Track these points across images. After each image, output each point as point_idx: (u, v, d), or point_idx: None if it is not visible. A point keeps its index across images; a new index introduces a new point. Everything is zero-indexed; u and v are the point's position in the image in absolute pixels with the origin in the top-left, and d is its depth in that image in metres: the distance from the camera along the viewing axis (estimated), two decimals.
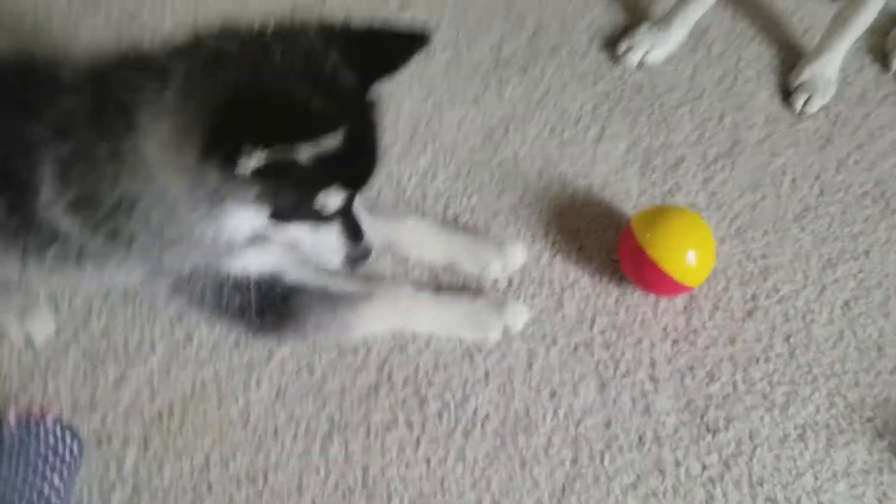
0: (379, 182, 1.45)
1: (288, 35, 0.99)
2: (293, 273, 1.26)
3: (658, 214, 1.33)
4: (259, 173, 0.94)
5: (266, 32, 1.00)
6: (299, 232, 1.08)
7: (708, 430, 1.27)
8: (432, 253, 1.37)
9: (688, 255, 1.29)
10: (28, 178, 1.07)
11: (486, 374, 1.30)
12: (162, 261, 1.15)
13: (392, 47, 1.01)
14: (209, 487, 1.19)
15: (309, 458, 1.22)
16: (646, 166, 1.51)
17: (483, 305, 1.32)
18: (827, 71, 1.61)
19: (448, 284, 1.36)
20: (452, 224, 1.43)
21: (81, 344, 1.28)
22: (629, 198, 1.47)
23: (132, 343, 1.29)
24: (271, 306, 1.25)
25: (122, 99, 1.00)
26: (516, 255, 1.37)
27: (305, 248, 1.11)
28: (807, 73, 1.61)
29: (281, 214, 1.04)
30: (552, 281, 1.39)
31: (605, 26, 1.69)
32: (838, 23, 1.58)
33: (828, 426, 1.29)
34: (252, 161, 0.92)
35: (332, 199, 1.03)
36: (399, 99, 1.56)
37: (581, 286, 1.38)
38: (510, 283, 1.38)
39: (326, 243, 1.11)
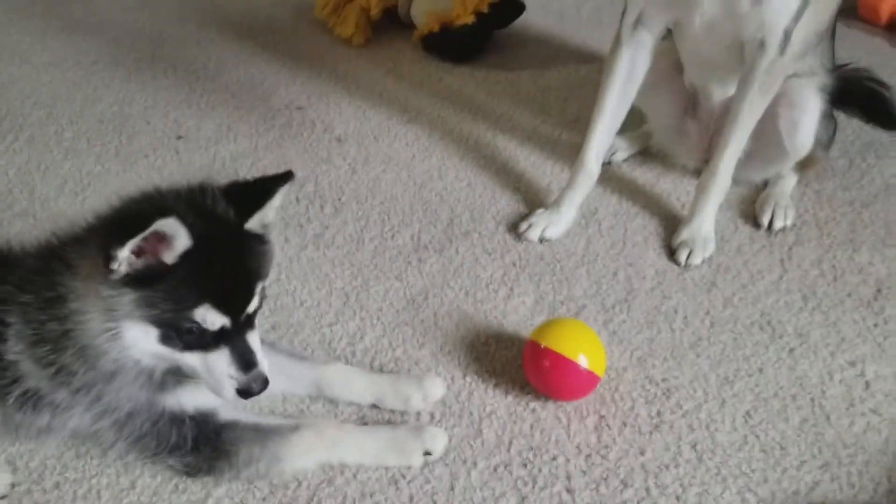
0: (311, 343, 1.62)
1: (185, 188, 1.26)
2: (226, 410, 1.38)
3: (551, 322, 1.56)
4: (133, 280, 1.16)
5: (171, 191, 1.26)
6: (193, 359, 1.24)
7: None
8: (359, 393, 1.50)
9: (586, 343, 1.48)
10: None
11: (411, 498, 1.36)
12: (101, 398, 1.29)
13: (263, 187, 1.26)
14: None
15: None
16: (551, 314, 1.70)
17: (404, 432, 1.42)
18: (703, 229, 1.87)
19: (375, 421, 1.48)
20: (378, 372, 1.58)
21: (34, 497, 1.35)
22: None
23: (80, 493, 1.36)
24: (205, 441, 1.35)
25: (61, 253, 1.26)
26: (435, 387, 1.50)
27: (202, 378, 1.26)
28: (685, 233, 1.87)
29: (168, 338, 1.21)
30: (471, 412, 1.50)
31: (509, 214, 1.98)
32: (699, 189, 1.88)
33: None
34: (120, 259, 1.14)
35: (209, 318, 1.19)
36: (332, 278, 1.78)
37: (498, 415, 1.50)
38: (432, 416, 1.49)
39: (217, 371, 1.24)
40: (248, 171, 2.08)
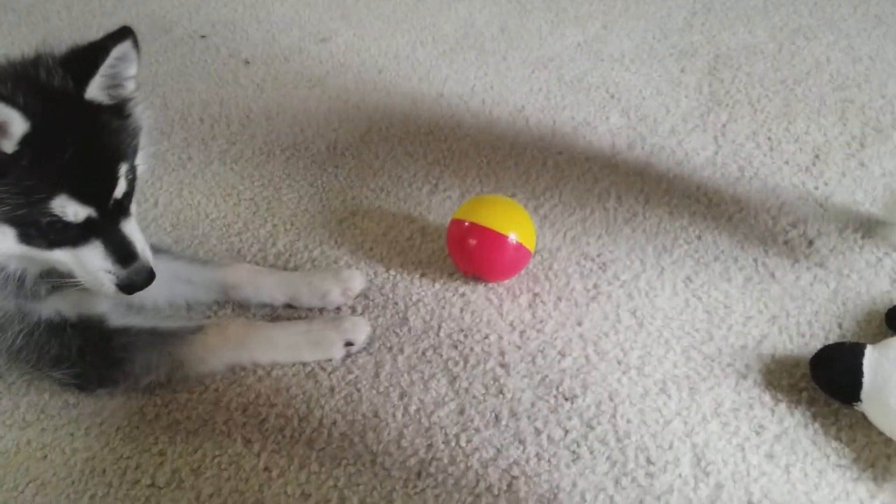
0: (218, 252, 1.49)
1: (15, 62, 1.11)
2: (116, 316, 1.25)
3: (475, 199, 1.46)
4: None
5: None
6: (63, 256, 1.10)
7: (565, 398, 1.21)
8: (269, 292, 1.37)
9: (514, 216, 1.37)
10: None
11: (332, 389, 1.24)
12: None
13: (99, 48, 1.10)
14: None
15: (138, 490, 1.11)
16: None
17: (320, 324, 1.30)
18: None
19: (288, 319, 1.36)
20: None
21: None
22: None
23: None
24: (93, 350, 1.21)
25: None
26: (354, 279, 1.38)
27: (77, 276, 1.12)
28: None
29: (28, 236, 1.07)
30: (395, 301, 1.39)
31: (431, 119, 1.87)
32: None
33: (688, 377, 1.24)
34: None
35: (69, 209, 1.05)
36: (240, 190, 1.65)
37: (425, 302, 1.38)
38: (353, 309, 1.37)
39: (91, 267, 1.11)
40: (148, 98, 1.94)
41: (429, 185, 1.65)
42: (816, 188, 1.60)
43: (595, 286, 1.40)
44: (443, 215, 1.57)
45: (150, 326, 1.26)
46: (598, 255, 1.47)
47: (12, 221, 1.06)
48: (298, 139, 1.80)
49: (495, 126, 1.82)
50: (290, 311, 1.37)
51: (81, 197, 1.06)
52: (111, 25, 1.11)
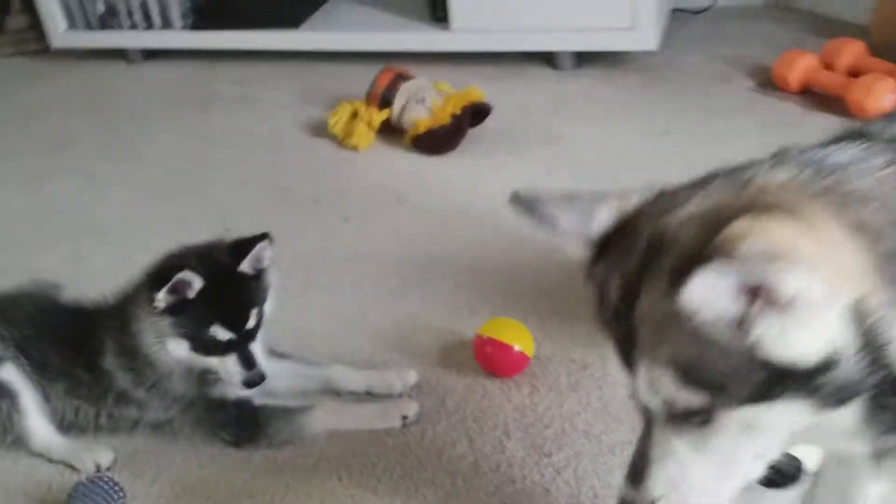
0: (321, 354, 2.20)
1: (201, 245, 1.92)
2: (258, 398, 1.97)
3: (491, 320, 2.14)
4: (169, 310, 1.80)
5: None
6: (213, 361, 1.87)
7: (545, 455, 1.84)
8: (355, 384, 2.07)
9: (517, 332, 2.06)
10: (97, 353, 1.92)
11: (394, 447, 1.91)
12: (168, 392, 1.91)
13: (249, 242, 1.87)
14: None
15: None
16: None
17: (386, 403, 2.01)
18: None
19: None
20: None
21: (131, 468, 1.94)
22: None
23: (163, 463, 1.94)
24: (245, 420, 1.94)
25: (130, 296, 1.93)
26: (410, 376, 2.07)
27: (220, 373, 1.88)
28: None
29: (195, 347, 1.84)
30: (437, 390, 2.05)
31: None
32: None
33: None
34: (159, 299, 1.78)
35: (220, 333, 1.82)
36: (337, 310, 2.38)
37: (457, 390, 2.04)
38: (410, 395, 2.05)
39: (229, 368, 1.87)
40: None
41: (468, 309, 2.34)
42: None
43: (576, 382, 2.03)
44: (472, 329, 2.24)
45: (281, 406, 1.98)
46: (580, 359, 2.10)
47: (187, 337, 1.84)
48: (380, 274, 2.54)
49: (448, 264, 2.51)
50: (365, 397, 2.06)
51: (228, 325, 1.84)
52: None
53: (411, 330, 2.29)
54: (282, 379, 2.04)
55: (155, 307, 1.80)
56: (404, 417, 1.96)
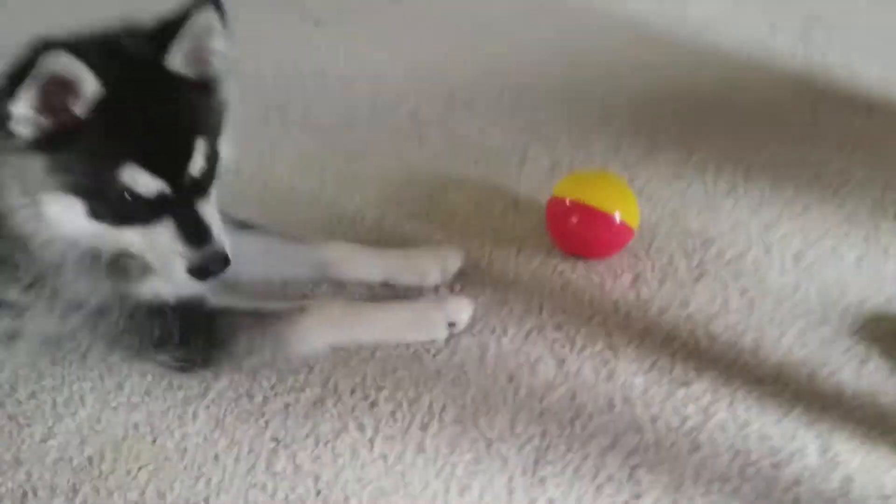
0: (307, 228, 1.46)
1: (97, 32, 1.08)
2: (215, 297, 1.22)
3: (575, 175, 1.43)
4: (43, 142, 1.00)
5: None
6: (132, 235, 1.07)
7: (680, 384, 1.19)
8: (367, 270, 1.34)
9: (617, 192, 1.34)
10: None
11: (438, 372, 1.22)
12: (58, 293, 1.14)
13: (178, 18, 1.06)
14: None
15: (254, 477, 1.09)
16: None
17: (424, 306, 1.28)
18: None
19: (387, 299, 1.33)
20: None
21: (7, 409, 1.20)
22: None
23: (60, 400, 1.21)
24: (196, 332, 1.20)
25: None
26: (452, 257, 1.35)
27: (148, 259, 1.10)
28: None
29: (97, 211, 1.04)
30: (493, 281, 1.35)
31: (513, 82, 1.81)
32: None
33: (805, 363, 1.20)
34: (18, 117, 0.98)
35: (140, 180, 1.02)
36: (323, 158, 1.62)
37: (523, 281, 1.35)
38: (452, 289, 1.34)
39: (160, 248, 1.07)
40: None
41: (517, 156, 1.61)
42: None
43: (699, 264, 1.36)
44: (533, 188, 1.52)
45: (252, 307, 1.24)
46: (700, 232, 1.42)
47: (80, 192, 1.03)
48: (378, 106, 1.76)
49: (582, 90, 1.76)
50: (386, 291, 1.34)
51: (153, 168, 1.03)
52: None
53: (437, 186, 1.55)
54: (251, 264, 1.28)
55: (12, 134, 1.00)
56: (451, 325, 1.25)
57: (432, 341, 1.25)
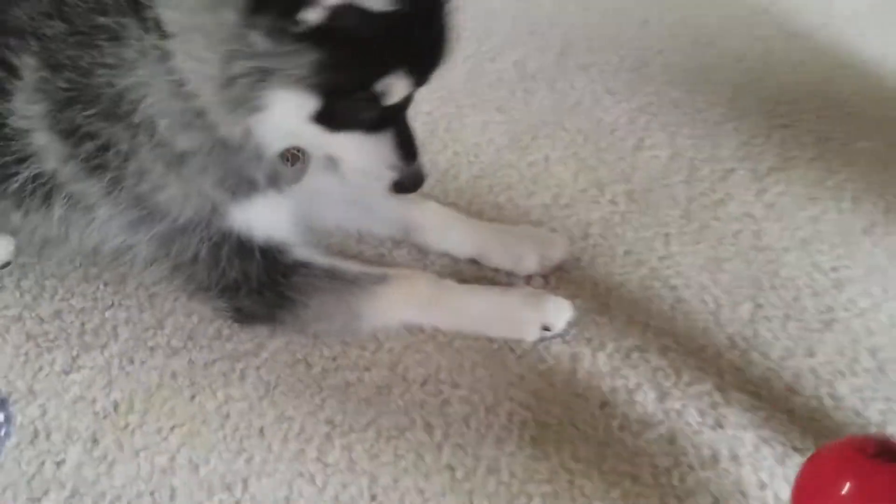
0: None
1: None
2: (299, 247, 1.06)
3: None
4: (317, 35, 0.82)
5: None
6: (347, 142, 0.94)
7: (794, 449, 1.03)
8: (457, 241, 1.17)
9: None
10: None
11: (522, 378, 1.06)
12: (155, 199, 0.97)
13: None
14: (172, 494, 0.92)
15: (302, 464, 0.95)
16: (691, 174, 1.36)
17: (518, 299, 1.11)
18: None
19: (475, 280, 1.16)
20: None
21: (26, 326, 1.05)
22: (676, 203, 1.31)
23: (89, 327, 1.06)
24: (271, 284, 1.04)
25: None
26: (556, 246, 1.18)
27: (349, 167, 0.98)
28: None
29: (327, 114, 0.90)
30: (595, 281, 1.19)
31: (637, 47, 1.61)
32: None
33: None
34: (315, 12, 0.80)
35: (396, 87, 0.90)
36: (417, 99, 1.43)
37: (630, 289, 1.18)
38: (547, 281, 1.18)
39: (376, 158, 0.96)
40: None
41: (634, 138, 1.42)
42: None
43: (828, 310, 1.19)
44: (650, 178, 1.34)
45: (330, 266, 1.07)
46: (832, 270, 1.25)
47: (329, 93, 0.88)
48: (482, 48, 1.56)
49: (709, 79, 1.56)
50: (471, 268, 1.18)
51: (414, 75, 0.93)
52: None
53: (539, 153, 1.36)
54: (335, 208, 1.15)
55: (294, 24, 0.82)
56: (545, 329, 1.09)
57: (520, 340, 1.10)
